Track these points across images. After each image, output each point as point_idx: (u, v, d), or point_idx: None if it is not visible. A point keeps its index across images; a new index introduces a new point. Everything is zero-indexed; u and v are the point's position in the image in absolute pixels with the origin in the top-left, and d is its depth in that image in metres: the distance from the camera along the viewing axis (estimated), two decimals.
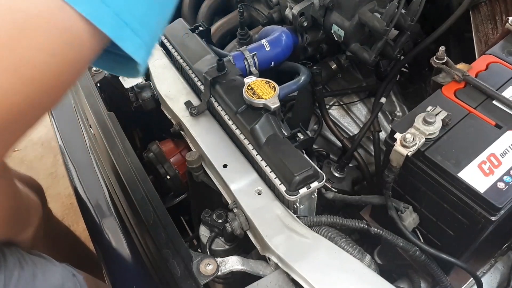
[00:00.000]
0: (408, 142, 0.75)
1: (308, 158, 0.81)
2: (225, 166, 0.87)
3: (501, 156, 0.75)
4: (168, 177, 1.05)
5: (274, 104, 0.83)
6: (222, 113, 0.94)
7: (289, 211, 0.80)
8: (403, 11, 1.00)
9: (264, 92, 0.85)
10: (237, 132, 0.90)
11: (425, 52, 1.16)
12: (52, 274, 0.75)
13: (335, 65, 1.27)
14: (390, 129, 0.82)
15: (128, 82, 1.09)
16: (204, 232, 0.88)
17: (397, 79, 1.27)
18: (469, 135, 0.78)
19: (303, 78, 1.12)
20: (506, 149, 0.75)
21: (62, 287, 0.75)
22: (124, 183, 0.95)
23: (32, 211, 0.85)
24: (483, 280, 0.88)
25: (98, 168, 1.11)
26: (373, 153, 1.22)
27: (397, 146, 0.76)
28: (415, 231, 0.87)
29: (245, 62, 1.11)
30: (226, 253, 0.86)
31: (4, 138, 0.42)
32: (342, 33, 1.06)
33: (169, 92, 1.06)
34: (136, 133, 1.38)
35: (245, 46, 1.15)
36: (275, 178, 0.80)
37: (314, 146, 1.28)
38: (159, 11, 0.49)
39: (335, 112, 1.29)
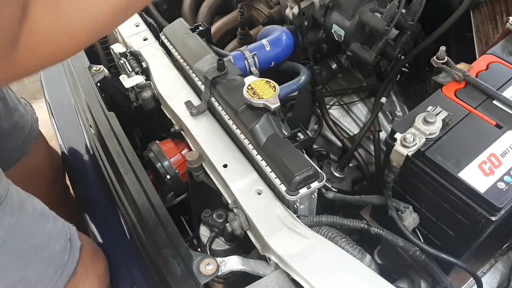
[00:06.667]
0: (408, 142, 0.75)
1: (308, 158, 0.81)
2: (225, 166, 0.87)
3: (501, 156, 0.75)
4: (168, 177, 1.05)
5: (274, 104, 0.83)
6: (223, 113, 0.93)
7: (289, 211, 0.80)
8: (403, 11, 1.00)
9: (264, 92, 0.85)
10: (237, 132, 0.89)
11: (425, 52, 1.16)
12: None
13: (335, 65, 1.27)
14: (390, 129, 0.82)
15: (128, 82, 1.09)
16: (204, 232, 0.88)
17: (397, 79, 1.27)
18: (469, 135, 0.78)
19: (303, 78, 1.12)
20: (507, 149, 0.75)
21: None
22: (124, 183, 0.95)
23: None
24: (483, 280, 0.89)
25: (98, 168, 1.11)
26: (373, 153, 1.21)
27: (398, 146, 0.76)
28: (415, 231, 0.87)
29: (245, 62, 1.11)
30: (226, 253, 0.86)
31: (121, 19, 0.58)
32: (342, 32, 1.06)
33: (169, 92, 1.05)
34: (136, 133, 1.38)
35: (245, 46, 1.15)
36: (275, 178, 0.80)
37: (314, 146, 1.27)
38: None
39: (335, 112, 1.29)
